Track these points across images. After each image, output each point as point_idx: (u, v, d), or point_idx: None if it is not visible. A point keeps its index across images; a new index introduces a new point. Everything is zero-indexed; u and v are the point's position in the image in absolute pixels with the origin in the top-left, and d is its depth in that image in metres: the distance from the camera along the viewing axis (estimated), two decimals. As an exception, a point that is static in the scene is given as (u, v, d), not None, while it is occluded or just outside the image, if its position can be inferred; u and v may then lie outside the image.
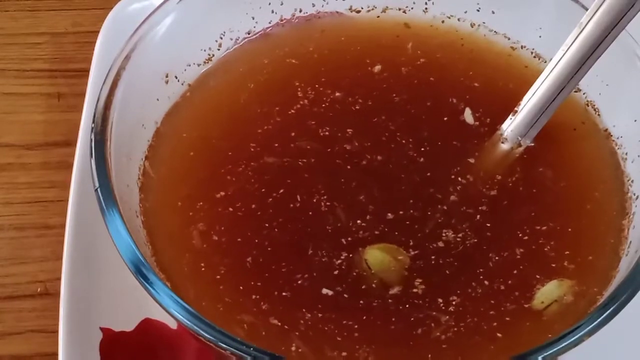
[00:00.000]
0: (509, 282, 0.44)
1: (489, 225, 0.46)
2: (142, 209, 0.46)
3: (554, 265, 0.44)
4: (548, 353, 0.38)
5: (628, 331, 0.46)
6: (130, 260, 0.40)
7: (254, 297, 0.43)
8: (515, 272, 0.44)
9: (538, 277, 0.44)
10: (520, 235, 0.45)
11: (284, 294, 0.43)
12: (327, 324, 0.43)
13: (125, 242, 0.40)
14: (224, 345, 0.38)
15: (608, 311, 0.39)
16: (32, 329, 0.54)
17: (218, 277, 0.44)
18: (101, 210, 0.41)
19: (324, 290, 0.43)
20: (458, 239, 0.45)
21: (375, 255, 0.44)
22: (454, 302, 0.43)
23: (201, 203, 0.46)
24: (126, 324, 0.50)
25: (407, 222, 0.45)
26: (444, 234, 0.45)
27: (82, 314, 0.49)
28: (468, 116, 0.50)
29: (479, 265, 0.44)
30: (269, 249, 0.45)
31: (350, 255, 0.44)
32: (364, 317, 0.43)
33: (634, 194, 0.46)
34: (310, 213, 0.46)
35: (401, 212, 0.46)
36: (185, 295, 0.42)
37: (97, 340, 0.49)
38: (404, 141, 0.49)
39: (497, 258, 0.45)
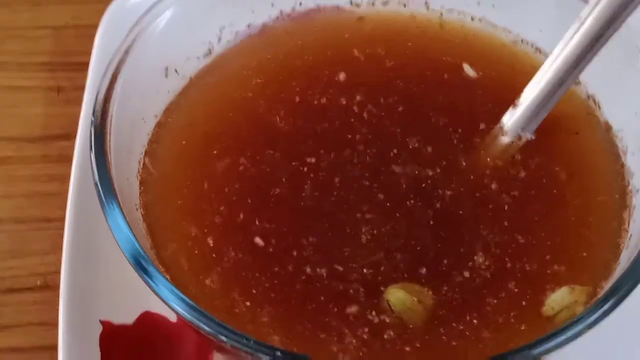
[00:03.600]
0: (519, 291, 0.44)
1: (502, 236, 0.45)
2: (142, 202, 0.46)
3: (558, 269, 0.44)
4: (550, 345, 0.38)
5: (628, 328, 0.46)
6: (129, 253, 0.40)
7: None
8: (526, 281, 0.44)
9: (547, 286, 0.44)
10: (527, 242, 0.45)
11: None
12: (251, 272, 0.44)
13: (124, 235, 0.40)
14: (223, 338, 0.38)
15: (608, 304, 0.39)
16: (32, 322, 0.54)
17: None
18: (101, 203, 0.41)
19: (257, 239, 0.45)
20: (481, 265, 0.44)
21: (398, 296, 0.43)
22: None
23: (201, 196, 0.46)
24: (126, 316, 0.50)
25: (420, 250, 0.45)
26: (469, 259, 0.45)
27: (82, 307, 0.49)
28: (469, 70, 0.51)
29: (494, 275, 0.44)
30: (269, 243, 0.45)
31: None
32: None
33: (635, 187, 0.46)
34: (312, 201, 0.46)
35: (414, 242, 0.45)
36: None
37: (97, 333, 0.49)
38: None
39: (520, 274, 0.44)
